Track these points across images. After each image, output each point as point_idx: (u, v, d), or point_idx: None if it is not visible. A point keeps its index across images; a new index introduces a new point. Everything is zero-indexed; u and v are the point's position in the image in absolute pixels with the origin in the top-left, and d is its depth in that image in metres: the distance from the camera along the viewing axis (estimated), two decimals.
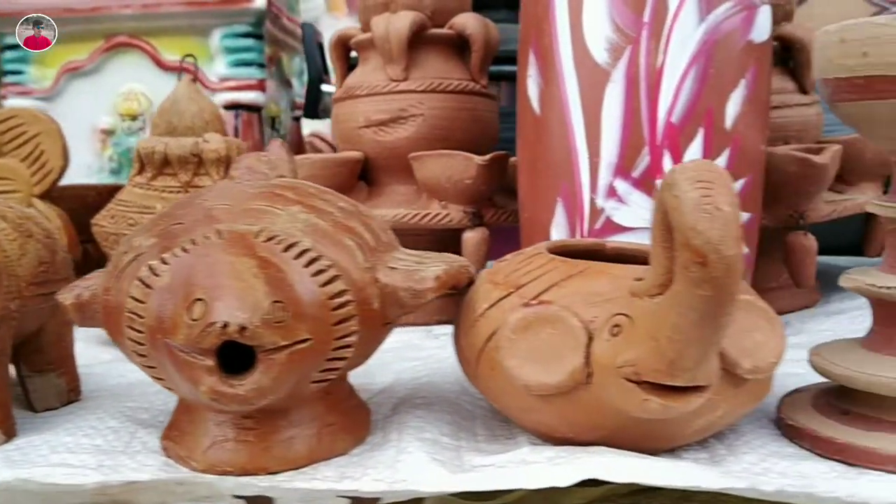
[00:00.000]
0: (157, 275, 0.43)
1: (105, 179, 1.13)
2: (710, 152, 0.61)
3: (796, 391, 0.54)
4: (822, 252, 1.04)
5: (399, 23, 0.78)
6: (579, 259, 0.49)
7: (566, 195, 0.63)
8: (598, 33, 0.61)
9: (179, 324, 0.41)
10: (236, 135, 1.09)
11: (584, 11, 0.62)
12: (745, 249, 0.64)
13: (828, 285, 0.91)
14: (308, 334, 0.42)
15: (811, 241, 0.74)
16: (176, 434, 0.49)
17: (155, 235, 0.46)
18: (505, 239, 0.76)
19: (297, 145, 1.31)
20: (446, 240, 0.78)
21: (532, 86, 0.66)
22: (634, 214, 0.61)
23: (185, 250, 0.43)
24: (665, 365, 0.39)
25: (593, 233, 0.62)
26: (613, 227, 0.62)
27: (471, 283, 0.51)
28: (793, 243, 0.74)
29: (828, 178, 0.74)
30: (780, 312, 0.82)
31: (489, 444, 0.50)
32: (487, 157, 0.74)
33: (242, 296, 0.40)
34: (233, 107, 1.10)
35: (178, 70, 1.03)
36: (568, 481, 0.39)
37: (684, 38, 0.60)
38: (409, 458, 0.47)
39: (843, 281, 0.50)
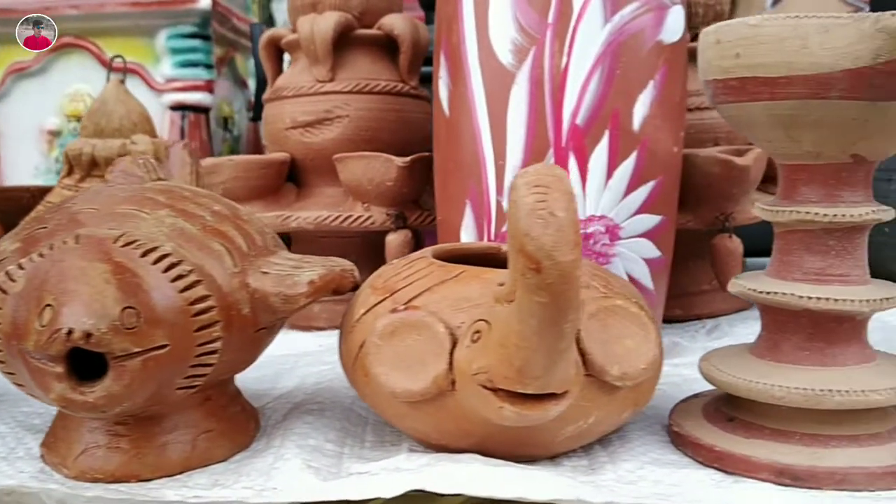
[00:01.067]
0: (13, 280, 0.42)
1: (52, 181, 1.12)
2: (616, 154, 0.60)
3: (693, 397, 0.54)
4: (758, 254, 1.03)
5: (323, 23, 0.77)
6: (472, 264, 0.48)
7: (474, 197, 0.63)
8: (503, 34, 0.61)
9: (30, 330, 0.40)
10: (182, 136, 1.08)
11: (489, 11, 0.61)
12: (656, 254, 0.63)
13: None
14: (165, 340, 0.41)
15: (736, 244, 0.73)
16: (52, 440, 0.48)
17: (20, 240, 0.45)
18: (435, 241, 0.75)
19: (255, 145, 1.30)
20: (375, 242, 0.78)
21: (442, 87, 0.65)
22: None
23: (41, 255, 0.42)
24: (514, 372, 0.38)
25: (500, 235, 0.62)
26: None
27: (356, 287, 0.50)
28: (717, 246, 0.73)
29: (751, 180, 0.73)
30: (713, 315, 0.83)
31: (373, 451, 0.49)
32: (408, 158, 0.73)
33: (90, 302, 0.40)
34: (179, 108, 1.09)
35: (122, 70, 1.02)
36: (391, 493, 0.38)
37: (589, 38, 0.60)
38: (284, 466, 0.46)
39: (730, 286, 0.49)
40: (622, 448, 0.48)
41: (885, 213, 0.46)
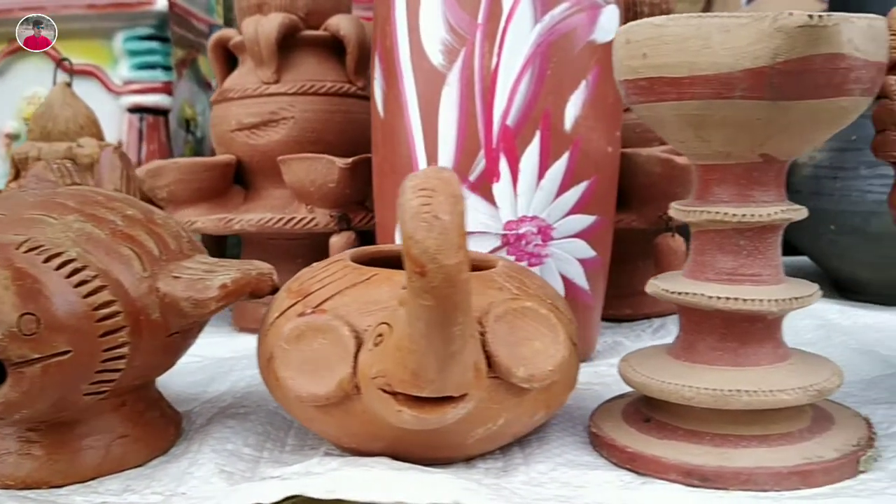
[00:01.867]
0: None
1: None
2: (548, 155, 0.60)
3: (617, 398, 0.53)
4: None
5: (268, 25, 0.77)
6: (393, 266, 0.48)
7: None
8: (434, 35, 0.60)
9: None
10: (141, 138, 1.08)
11: (420, 12, 0.61)
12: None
13: None
14: (67, 346, 0.41)
15: (678, 242, 0.73)
16: None
17: None
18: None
19: None
20: (322, 244, 0.77)
21: (377, 88, 0.65)
22: (472, 219, 0.60)
23: None
24: (409, 375, 0.38)
25: None
26: None
27: (275, 290, 0.50)
28: (660, 245, 0.73)
29: (692, 178, 0.73)
30: (663, 314, 0.83)
31: (292, 455, 0.49)
32: (350, 160, 0.73)
33: None
34: (137, 110, 1.09)
35: (70, 72, 1.02)
36: (271, 498, 0.38)
37: (519, 39, 0.59)
38: (198, 471, 0.46)
39: (647, 286, 0.49)
40: (540, 449, 0.48)
41: (796, 213, 0.46)
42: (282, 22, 0.77)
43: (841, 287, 0.86)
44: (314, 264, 0.51)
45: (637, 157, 0.72)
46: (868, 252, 0.78)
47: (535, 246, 0.61)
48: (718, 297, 0.45)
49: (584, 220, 0.62)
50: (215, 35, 0.85)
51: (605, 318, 0.79)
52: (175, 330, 0.46)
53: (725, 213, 0.45)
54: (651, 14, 0.80)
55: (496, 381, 0.43)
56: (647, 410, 0.49)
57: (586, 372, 0.62)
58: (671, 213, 0.48)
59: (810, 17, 0.39)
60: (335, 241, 0.73)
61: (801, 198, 0.80)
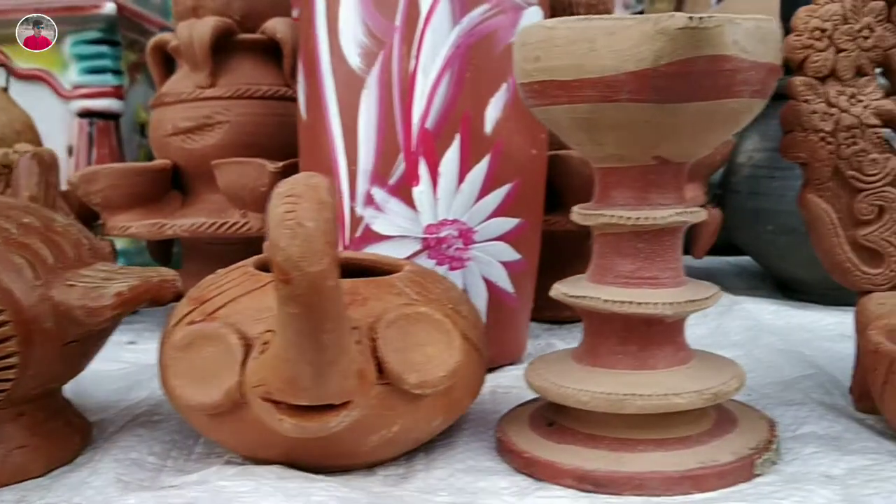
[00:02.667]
0: None
1: None
2: (468, 158, 0.60)
3: (528, 402, 0.53)
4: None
5: (201, 28, 0.77)
6: None
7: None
8: (352, 38, 0.60)
9: None
10: (90, 143, 1.07)
11: (339, 15, 0.61)
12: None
13: None
14: None
15: None
16: None
17: None
18: None
19: None
20: (260, 248, 0.77)
21: (300, 91, 0.65)
22: (391, 223, 0.60)
23: None
24: (285, 384, 0.38)
25: (354, 241, 0.61)
26: (372, 236, 0.60)
27: (179, 296, 0.50)
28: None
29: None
30: None
31: (196, 463, 0.49)
32: (281, 163, 0.72)
33: None
34: (87, 114, 1.08)
35: (27, 77, 1.01)
36: None
37: (437, 42, 0.59)
38: (96, 481, 0.45)
39: (552, 291, 0.49)
40: (443, 455, 0.48)
41: (693, 216, 0.46)
42: (216, 25, 0.77)
43: (783, 287, 0.86)
44: (219, 270, 0.50)
45: (570, 158, 0.72)
46: (805, 251, 0.78)
47: (456, 249, 0.60)
48: (614, 301, 0.45)
49: (507, 223, 0.62)
50: (153, 39, 0.84)
51: (544, 321, 0.79)
52: (72, 339, 0.46)
53: (621, 217, 0.45)
54: (588, 15, 0.80)
55: (388, 388, 0.42)
56: (552, 415, 0.48)
57: (512, 375, 0.62)
58: (572, 216, 0.48)
59: (691, 18, 0.39)
60: (268, 245, 0.73)
61: (740, 198, 0.81)
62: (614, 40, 0.40)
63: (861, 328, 0.50)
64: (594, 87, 0.41)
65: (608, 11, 0.81)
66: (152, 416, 0.55)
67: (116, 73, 1.10)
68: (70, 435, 0.50)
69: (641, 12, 2.11)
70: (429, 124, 0.59)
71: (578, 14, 0.80)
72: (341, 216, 0.61)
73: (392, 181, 0.60)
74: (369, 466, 0.47)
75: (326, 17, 0.61)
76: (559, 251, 0.74)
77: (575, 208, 0.48)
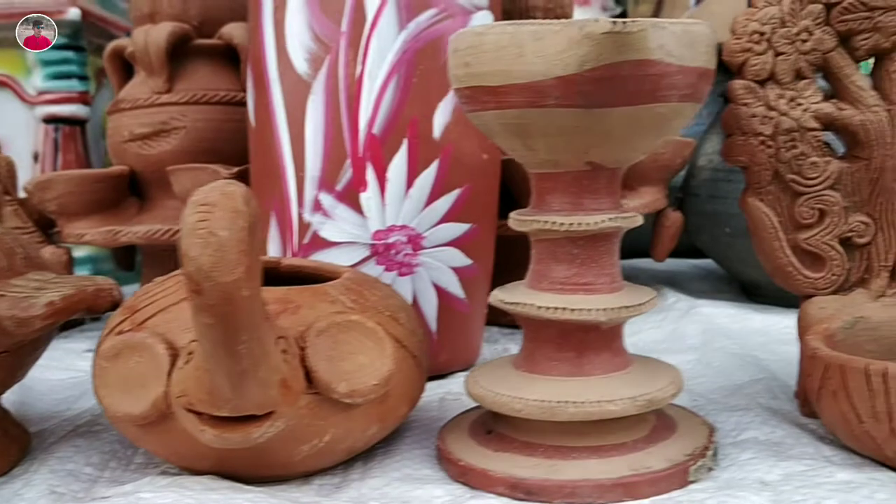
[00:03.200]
0: None
1: None
2: (416, 163, 0.60)
3: (471, 409, 0.53)
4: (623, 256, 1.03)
5: (156, 34, 0.76)
6: None
7: (278, 209, 0.62)
8: (299, 44, 0.60)
9: None
10: (56, 149, 1.06)
11: (286, 21, 0.60)
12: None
13: None
14: None
15: None
16: None
17: None
18: None
19: None
20: None
21: (249, 97, 0.65)
22: (339, 229, 0.60)
23: None
24: (205, 395, 0.37)
25: (302, 248, 0.61)
26: (320, 243, 0.60)
27: (116, 305, 0.49)
28: None
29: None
30: None
31: (133, 474, 0.48)
32: (236, 169, 0.72)
33: None
34: (53, 120, 1.07)
35: None
36: None
37: (383, 47, 0.59)
38: (28, 492, 0.45)
39: (490, 297, 0.48)
40: (382, 464, 0.48)
41: (627, 221, 0.45)
42: (171, 31, 0.76)
43: (746, 289, 0.86)
44: (157, 279, 0.50)
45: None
46: None
47: (404, 255, 0.60)
48: (548, 308, 0.44)
49: (457, 229, 0.62)
50: (110, 45, 0.84)
51: (503, 325, 0.79)
52: (2, 349, 0.45)
53: (554, 223, 0.44)
54: (546, 19, 0.80)
55: (317, 398, 0.42)
56: (491, 422, 0.48)
57: (463, 381, 0.61)
58: (509, 223, 0.47)
59: (614, 23, 0.39)
60: None
61: (698, 201, 0.80)
62: (542, 45, 0.40)
63: (802, 332, 0.50)
64: (522, 92, 0.41)
65: (565, 15, 0.81)
66: (94, 427, 0.54)
67: (82, 78, 1.09)
68: (8, 446, 0.49)
69: (622, 14, 2.12)
70: (376, 130, 0.59)
71: (535, 17, 0.80)
72: (290, 222, 0.61)
73: (339, 187, 0.59)
74: (306, 476, 0.46)
75: (273, 22, 0.61)
76: (516, 255, 0.74)
77: (512, 214, 0.47)
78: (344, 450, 0.45)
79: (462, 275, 0.63)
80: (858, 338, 0.49)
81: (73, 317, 0.47)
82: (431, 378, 0.62)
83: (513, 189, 0.73)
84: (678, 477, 0.43)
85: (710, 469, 0.45)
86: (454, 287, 0.62)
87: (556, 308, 0.44)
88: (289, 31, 0.60)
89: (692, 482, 0.43)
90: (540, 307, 0.44)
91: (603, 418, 0.43)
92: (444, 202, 0.61)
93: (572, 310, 0.44)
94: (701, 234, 0.84)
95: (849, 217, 0.51)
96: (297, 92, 0.60)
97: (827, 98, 0.50)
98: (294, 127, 0.60)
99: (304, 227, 0.60)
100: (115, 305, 0.49)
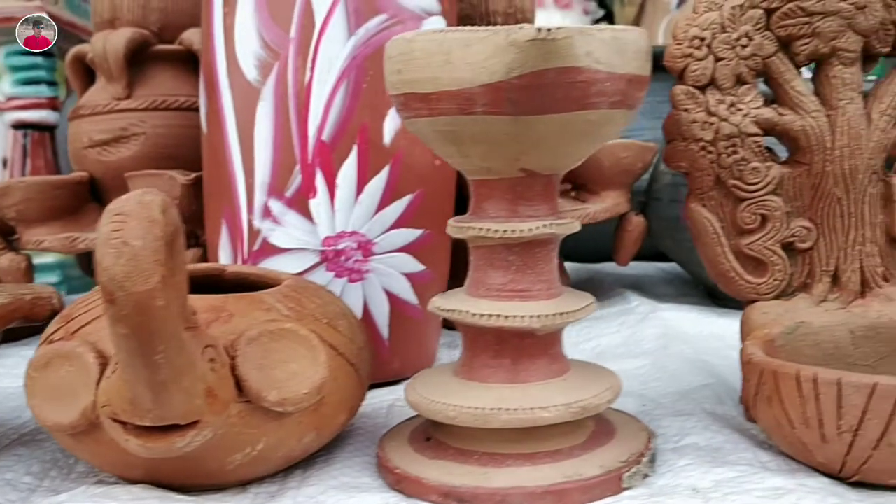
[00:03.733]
0: None
1: None
2: (366, 169, 0.60)
3: (414, 417, 0.53)
4: (585, 259, 1.03)
5: (115, 40, 0.76)
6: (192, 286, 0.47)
7: (228, 216, 0.62)
8: (248, 50, 0.60)
9: None
10: (25, 155, 1.06)
11: (235, 27, 0.60)
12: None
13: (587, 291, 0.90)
14: None
15: None
16: None
17: None
18: None
19: None
20: None
21: (201, 103, 0.65)
22: (289, 235, 0.60)
23: None
24: (128, 404, 0.37)
25: (252, 255, 0.61)
26: (270, 249, 0.60)
27: (55, 313, 0.49)
28: None
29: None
30: None
31: (72, 483, 0.48)
32: (193, 175, 0.72)
33: None
34: (21, 126, 1.07)
35: None
36: None
37: (332, 53, 0.59)
38: None
39: (429, 304, 0.48)
40: (321, 472, 0.47)
41: (562, 227, 0.45)
42: (130, 37, 0.76)
43: (711, 293, 0.86)
44: (96, 287, 0.50)
45: None
46: None
47: (355, 262, 0.60)
48: (482, 315, 0.44)
49: (409, 235, 0.62)
50: (72, 51, 0.84)
51: None
52: None
53: (489, 229, 0.44)
54: (506, 24, 0.80)
55: (249, 406, 0.42)
56: (431, 429, 0.48)
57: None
58: (447, 229, 0.47)
59: (539, 30, 0.39)
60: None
61: (661, 205, 0.80)
62: (469, 52, 0.40)
63: (744, 337, 0.50)
64: (451, 99, 0.41)
65: (526, 20, 0.81)
66: (38, 436, 0.54)
67: (51, 84, 1.09)
68: None
69: (603, 18, 2.12)
70: (325, 136, 0.59)
71: (496, 23, 0.80)
72: (240, 229, 0.61)
73: (289, 193, 0.59)
74: (243, 484, 0.46)
75: (224, 28, 0.61)
76: None
77: (450, 221, 0.47)
78: (279, 458, 0.45)
79: (415, 281, 0.63)
80: (799, 343, 0.49)
81: (10, 325, 0.47)
82: (384, 385, 0.63)
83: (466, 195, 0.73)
84: (611, 484, 0.43)
85: (647, 475, 0.45)
86: (406, 293, 0.62)
87: (491, 315, 0.44)
88: (238, 38, 0.60)
89: (626, 489, 0.43)
90: (474, 314, 0.44)
91: (536, 425, 0.43)
92: (395, 208, 0.61)
93: (506, 317, 0.44)
94: (664, 238, 0.84)
95: (791, 222, 0.51)
96: (246, 98, 0.60)
97: (769, 103, 0.50)
98: (244, 133, 0.60)
99: (254, 233, 0.60)
100: (54, 314, 0.49)
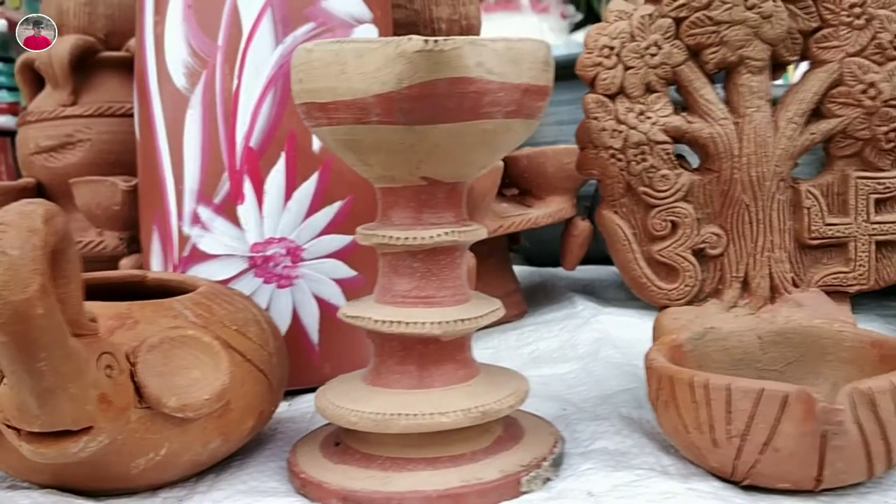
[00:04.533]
0: None
1: None
2: (294, 176, 0.60)
3: (329, 423, 0.53)
4: (543, 264, 1.04)
5: (60, 47, 0.77)
6: (114, 292, 0.48)
7: (160, 223, 0.62)
8: (178, 58, 0.60)
9: None
10: None
11: (165, 35, 0.61)
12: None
13: (537, 296, 0.91)
14: None
15: (467, 259, 0.73)
16: None
17: None
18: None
19: None
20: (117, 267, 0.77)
21: (135, 111, 0.65)
22: (218, 241, 0.60)
23: None
24: (16, 411, 0.38)
25: (182, 261, 0.61)
26: (199, 255, 0.60)
27: None
28: None
29: (477, 195, 0.73)
30: (488, 326, 0.82)
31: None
32: (134, 182, 0.72)
33: None
34: None
35: None
36: None
37: (260, 61, 0.59)
38: None
39: (339, 312, 0.49)
40: (232, 476, 0.48)
41: (466, 235, 0.46)
42: (75, 44, 0.77)
43: None
44: None
45: None
46: None
47: (283, 268, 0.61)
48: (384, 321, 0.45)
49: (340, 241, 0.62)
50: (21, 57, 0.84)
51: None
52: None
53: (392, 237, 0.45)
54: (448, 32, 0.80)
55: (150, 412, 0.42)
56: (342, 435, 0.48)
57: None
58: (356, 237, 0.48)
59: (426, 41, 0.39)
60: (124, 263, 0.73)
61: None
62: (363, 63, 0.41)
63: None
64: (348, 109, 0.42)
65: (470, 27, 0.82)
66: None
67: (11, 89, 1.10)
68: None
69: (587, 20, 2.13)
70: (253, 143, 0.59)
71: (440, 30, 0.81)
72: (171, 235, 0.61)
73: (217, 200, 0.60)
74: (155, 488, 0.47)
75: (154, 36, 0.61)
76: None
77: (358, 228, 0.48)
78: (184, 463, 0.45)
79: (346, 286, 0.63)
80: (708, 348, 0.49)
81: None
82: (315, 390, 0.63)
83: None
84: (510, 487, 0.43)
85: (549, 479, 0.45)
86: (337, 298, 0.63)
87: (393, 321, 0.45)
88: (168, 46, 0.61)
89: (524, 493, 0.44)
90: (377, 321, 0.45)
91: (435, 430, 0.44)
92: (325, 214, 0.61)
93: (408, 323, 0.44)
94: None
95: (701, 229, 0.51)
96: (175, 106, 0.61)
97: (679, 111, 0.51)
98: (173, 140, 0.61)
99: (183, 240, 0.61)
100: None
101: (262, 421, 0.49)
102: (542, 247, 0.95)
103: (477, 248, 0.75)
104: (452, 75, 0.40)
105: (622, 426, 0.51)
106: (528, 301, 0.87)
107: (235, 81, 0.59)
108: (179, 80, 0.60)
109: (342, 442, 0.48)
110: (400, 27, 0.76)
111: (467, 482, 0.43)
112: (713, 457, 0.42)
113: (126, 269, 0.73)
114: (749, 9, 0.49)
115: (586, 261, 0.86)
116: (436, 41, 0.39)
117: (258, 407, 0.48)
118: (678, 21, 0.50)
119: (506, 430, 0.48)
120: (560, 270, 0.98)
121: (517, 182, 0.83)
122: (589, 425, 0.52)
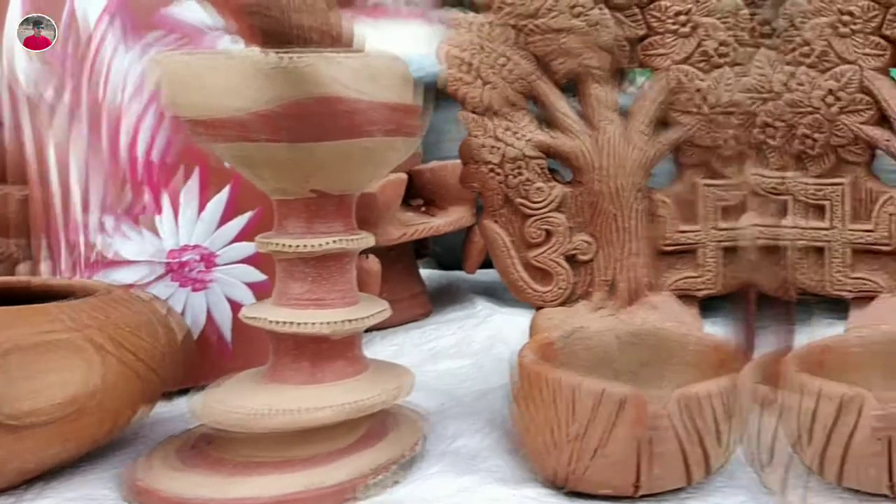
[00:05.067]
0: None
1: None
2: (207, 187, 0.60)
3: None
4: (452, 268, 1.05)
5: None
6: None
7: (48, 230, 0.61)
8: (30, 66, 0.60)
9: None
10: None
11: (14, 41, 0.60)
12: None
13: (443, 297, 0.91)
14: None
15: (372, 263, 0.74)
16: None
17: None
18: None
19: None
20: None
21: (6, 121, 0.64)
22: (138, 249, 0.60)
23: None
24: None
25: (90, 266, 0.60)
26: (111, 262, 0.60)
27: None
28: (357, 267, 0.74)
29: (382, 205, 0.74)
30: (391, 326, 0.83)
31: None
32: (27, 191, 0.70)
33: None
34: None
35: None
36: None
37: (118, 69, 0.58)
38: None
39: (240, 313, 0.49)
40: (64, 483, 0.45)
41: (354, 243, 0.46)
42: None
43: None
44: None
45: None
46: None
47: (198, 272, 0.60)
48: (278, 322, 0.45)
49: (250, 247, 0.62)
50: None
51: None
52: None
53: (285, 244, 0.45)
54: (320, 42, 0.79)
55: None
56: (210, 436, 0.46)
57: None
58: (258, 246, 0.48)
59: (281, 57, 0.38)
60: (20, 269, 0.71)
61: None
62: (219, 78, 0.40)
63: None
64: (232, 126, 0.41)
65: (340, 36, 0.81)
66: None
67: None
68: None
69: None
70: (154, 156, 0.59)
71: (311, 40, 0.79)
72: (58, 243, 0.61)
73: (121, 210, 0.59)
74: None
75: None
76: None
77: (257, 237, 0.48)
78: (18, 470, 0.43)
79: (256, 289, 0.63)
80: (575, 347, 0.49)
81: None
82: None
83: None
84: (344, 494, 0.42)
85: (396, 482, 0.44)
86: (248, 300, 0.62)
87: (287, 322, 0.45)
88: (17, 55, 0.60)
89: (361, 499, 0.43)
90: (272, 321, 0.45)
91: (311, 426, 0.43)
92: (237, 223, 0.61)
93: (300, 323, 0.45)
94: None
95: (573, 236, 0.53)
96: (40, 113, 0.59)
97: (544, 126, 0.52)
98: (43, 152, 0.60)
99: (89, 247, 0.60)
100: None
101: (118, 425, 0.47)
102: (451, 252, 0.96)
103: (384, 253, 0.76)
104: (315, 92, 0.39)
105: (486, 423, 0.51)
106: (434, 302, 0.88)
107: (101, 91, 0.59)
108: (31, 87, 0.59)
109: (197, 446, 0.46)
110: (267, 36, 0.74)
111: (307, 488, 0.42)
112: (549, 461, 0.41)
113: (21, 274, 0.71)
114: (576, 17, 0.49)
115: (489, 265, 0.87)
116: (290, 57, 0.39)
117: (123, 410, 0.46)
118: (518, 30, 0.50)
119: (372, 427, 0.47)
120: (464, 274, 0.99)
121: (421, 193, 0.84)
122: (456, 422, 0.52)
